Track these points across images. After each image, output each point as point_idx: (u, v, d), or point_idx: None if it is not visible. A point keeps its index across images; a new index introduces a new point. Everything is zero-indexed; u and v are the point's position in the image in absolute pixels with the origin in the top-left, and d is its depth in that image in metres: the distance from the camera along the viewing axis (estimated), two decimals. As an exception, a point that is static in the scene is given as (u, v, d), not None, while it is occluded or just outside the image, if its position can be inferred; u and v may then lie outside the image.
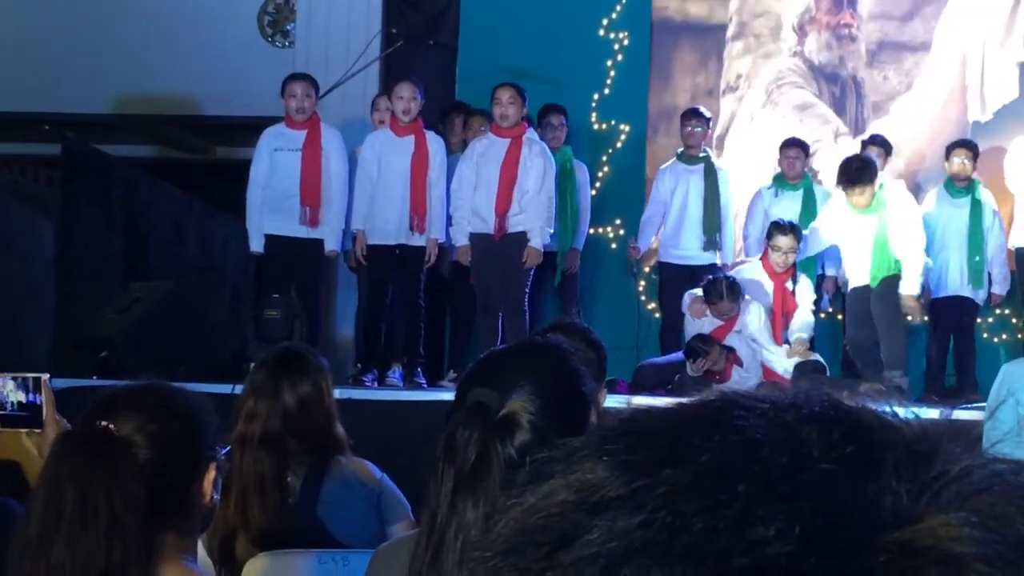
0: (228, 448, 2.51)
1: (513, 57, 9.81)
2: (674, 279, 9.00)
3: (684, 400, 0.65)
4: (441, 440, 2.06)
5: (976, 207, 8.85)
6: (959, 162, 8.87)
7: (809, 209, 9.05)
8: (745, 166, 9.89)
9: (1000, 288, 8.95)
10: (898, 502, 0.58)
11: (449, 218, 8.49)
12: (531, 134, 8.50)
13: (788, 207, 9.08)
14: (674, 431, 0.62)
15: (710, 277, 8.33)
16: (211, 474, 2.35)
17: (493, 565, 0.61)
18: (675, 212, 9.09)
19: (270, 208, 8.43)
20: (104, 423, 2.25)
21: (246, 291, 10.54)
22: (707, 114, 9.40)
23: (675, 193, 9.11)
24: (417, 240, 8.41)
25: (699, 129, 9.18)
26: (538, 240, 8.31)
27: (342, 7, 10.33)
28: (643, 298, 9.89)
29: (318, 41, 10.34)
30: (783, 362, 8.06)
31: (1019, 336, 9.51)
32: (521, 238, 8.29)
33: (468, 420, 2.06)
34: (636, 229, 9.47)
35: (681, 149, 9.29)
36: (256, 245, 8.49)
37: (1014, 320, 9.48)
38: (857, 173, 8.03)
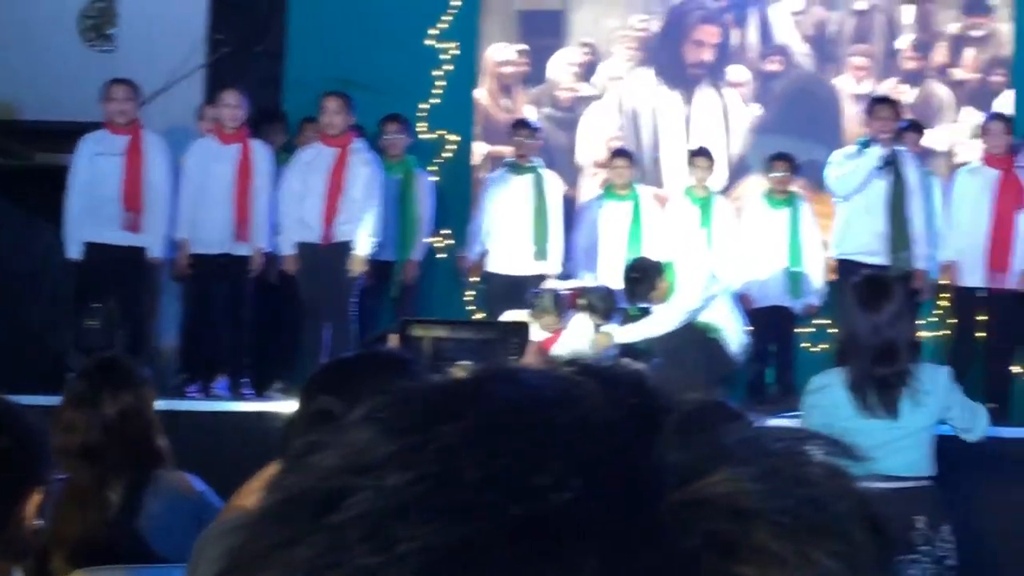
0: (60, 476, 2.43)
1: (340, 66, 9.78)
2: (501, 289, 9.03)
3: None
4: (288, 449, 2.04)
5: (795, 217, 9.08)
6: (778, 174, 9.09)
7: (637, 219, 9.18)
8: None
9: (816, 299, 9.19)
10: (684, 459, 0.57)
11: (275, 227, 8.44)
12: (358, 144, 8.49)
13: (616, 217, 9.20)
14: (448, 393, 0.60)
15: (534, 291, 8.38)
16: (35, 498, 2.27)
17: (253, 534, 0.58)
18: (503, 221, 9.13)
19: (91, 214, 8.27)
20: None
21: (66, 300, 10.29)
22: (536, 124, 9.50)
23: (504, 202, 9.15)
24: (242, 249, 8.34)
25: (529, 139, 9.25)
26: (363, 249, 8.30)
27: (166, 12, 10.17)
28: (471, 308, 9.91)
29: (141, 46, 10.15)
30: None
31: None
32: (348, 247, 8.28)
33: (313, 429, 2.03)
34: (465, 239, 9.49)
35: (511, 159, 9.35)
36: (73, 252, 8.33)
37: (832, 330, 9.70)
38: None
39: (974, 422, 5.29)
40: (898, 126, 8.58)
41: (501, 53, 10.59)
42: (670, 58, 10.53)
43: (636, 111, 10.51)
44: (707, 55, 10.50)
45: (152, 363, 8.15)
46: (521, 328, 7.73)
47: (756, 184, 9.80)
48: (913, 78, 10.38)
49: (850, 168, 8.44)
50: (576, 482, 0.54)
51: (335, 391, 2.12)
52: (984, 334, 8.58)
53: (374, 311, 8.86)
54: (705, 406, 0.61)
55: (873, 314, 4.98)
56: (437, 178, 10.06)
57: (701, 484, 0.55)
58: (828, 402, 5.15)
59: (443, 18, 10.39)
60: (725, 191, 9.87)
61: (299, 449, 0.61)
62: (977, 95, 10.29)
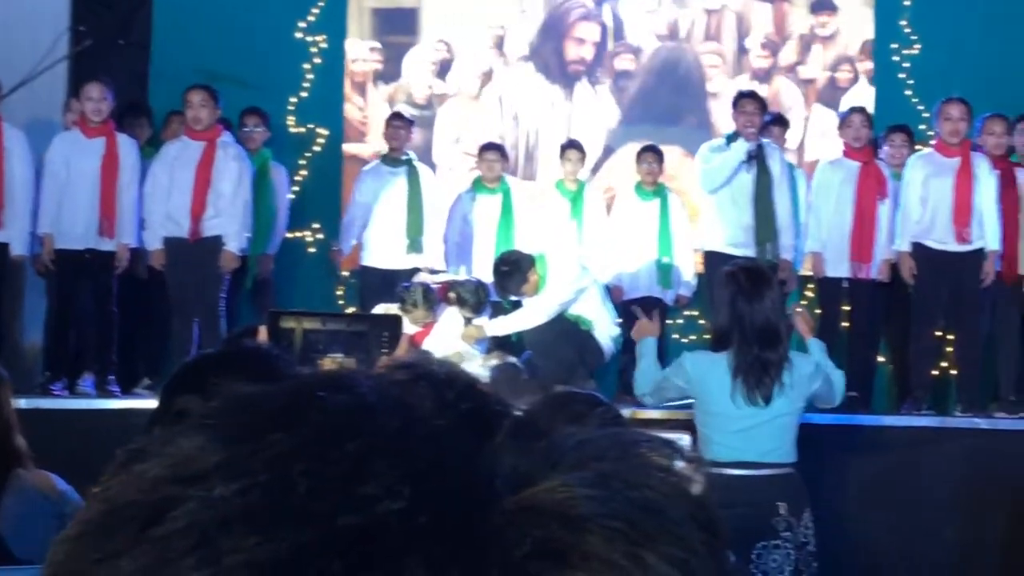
0: None
1: (208, 59, 9.67)
2: (375, 283, 9.01)
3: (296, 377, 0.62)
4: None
5: (664, 209, 9.18)
6: (647, 165, 9.19)
7: (507, 212, 9.20)
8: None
9: (687, 289, 9.30)
10: (516, 465, 0.57)
11: (142, 221, 8.33)
12: (226, 137, 8.43)
13: (487, 210, 9.22)
14: (280, 400, 0.59)
15: (404, 284, 8.36)
16: None
17: (71, 549, 0.56)
18: (377, 214, 9.11)
19: (-51, 212, 8.10)
20: None
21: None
22: (410, 117, 9.51)
23: (378, 195, 9.13)
24: (107, 245, 8.24)
25: (402, 131, 9.25)
26: (235, 244, 8.27)
27: (27, 3, 9.96)
28: (342, 302, 9.87)
29: (1, 38, 9.93)
30: (478, 367, 8.14)
31: (706, 337, 9.86)
32: (216, 242, 8.23)
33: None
34: (335, 232, 9.45)
35: (384, 151, 9.35)
36: (-69, 251, 8.15)
37: (701, 321, 9.82)
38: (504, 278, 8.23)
39: (832, 394, 5.56)
40: (763, 120, 8.70)
41: (354, 50, 10.54)
42: (551, 54, 10.58)
43: (515, 107, 10.54)
44: (587, 52, 10.57)
45: (15, 361, 8.01)
46: (394, 321, 7.71)
47: (624, 175, 9.88)
48: (763, 76, 10.54)
49: (717, 162, 8.55)
50: (406, 491, 0.54)
51: (196, 389, 2.08)
52: (848, 324, 8.75)
53: (230, 305, 8.75)
54: (542, 409, 0.61)
55: (757, 301, 5.14)
56: (306, 172, 10.01)
57: (533, 491, 0.55)
58: (702, 382, 5.28)
59: (312, 11, 10.33)
60: (591, 180, 9.95)
61: (122, 457, 0.59)
62: (824, 92, 10.51)
